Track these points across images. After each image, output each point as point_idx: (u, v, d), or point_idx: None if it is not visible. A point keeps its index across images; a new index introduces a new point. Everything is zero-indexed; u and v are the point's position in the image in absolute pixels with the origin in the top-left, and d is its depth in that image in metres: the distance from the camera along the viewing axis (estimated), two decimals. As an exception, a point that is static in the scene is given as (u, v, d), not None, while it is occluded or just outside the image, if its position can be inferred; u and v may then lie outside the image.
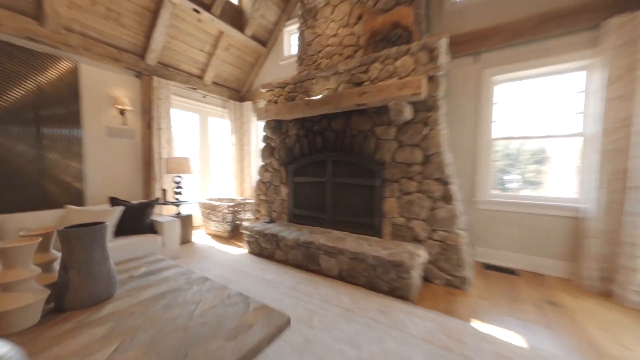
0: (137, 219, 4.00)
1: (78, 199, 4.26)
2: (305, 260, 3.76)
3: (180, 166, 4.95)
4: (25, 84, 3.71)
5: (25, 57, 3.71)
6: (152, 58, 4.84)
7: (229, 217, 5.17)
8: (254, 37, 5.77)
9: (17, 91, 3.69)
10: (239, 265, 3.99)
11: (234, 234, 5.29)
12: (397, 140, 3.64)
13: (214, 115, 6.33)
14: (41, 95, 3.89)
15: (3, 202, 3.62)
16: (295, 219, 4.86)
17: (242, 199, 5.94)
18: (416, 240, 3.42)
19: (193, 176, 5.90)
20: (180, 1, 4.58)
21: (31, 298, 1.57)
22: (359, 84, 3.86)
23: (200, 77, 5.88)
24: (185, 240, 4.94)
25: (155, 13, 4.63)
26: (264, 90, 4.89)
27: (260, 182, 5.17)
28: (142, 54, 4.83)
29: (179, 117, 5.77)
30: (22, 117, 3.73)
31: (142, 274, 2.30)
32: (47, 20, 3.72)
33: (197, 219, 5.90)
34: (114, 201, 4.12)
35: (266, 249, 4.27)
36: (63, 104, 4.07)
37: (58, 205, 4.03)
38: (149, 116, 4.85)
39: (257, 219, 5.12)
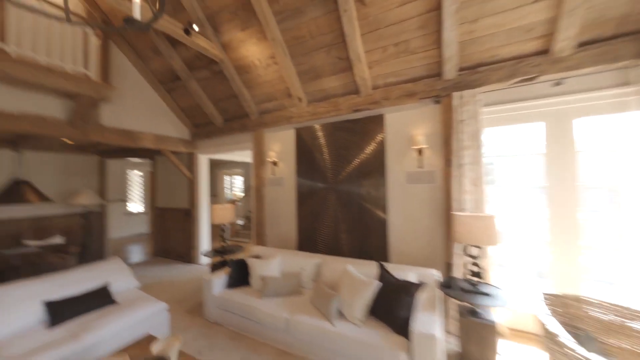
0: (389, 305, 1.92)
1: (382, 249, 2.86)
2: None
3: (474, 231, 1.83)
4: (355, 147, 3.04)
5: (353, 126, 3.05)
6: (449, 69, 2.48)
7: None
8: None
9: (354, 154, 3.06)
10: None
11: None
12: None
13: (588, 111, 2.04)
14: (362, 153, 3.01)
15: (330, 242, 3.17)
16: None
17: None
18: None
19: (525, 243, 2.28)
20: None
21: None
22: None
23: (545, 52, 2.11)
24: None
25: (438, 7, 2.20)
26: None
27: None
28: (437, 71, 2.58)
29: (500, 137, 2.52)
30: (353, 174, 3.06)
31: None
32: (360, 89, 2.90)
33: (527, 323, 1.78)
34: (382, 269, 2.24)
35: None
36: (374, 156, 2.93)
37: (370, 252, 2.93)
38: (447, 149, 2.26)
39: None
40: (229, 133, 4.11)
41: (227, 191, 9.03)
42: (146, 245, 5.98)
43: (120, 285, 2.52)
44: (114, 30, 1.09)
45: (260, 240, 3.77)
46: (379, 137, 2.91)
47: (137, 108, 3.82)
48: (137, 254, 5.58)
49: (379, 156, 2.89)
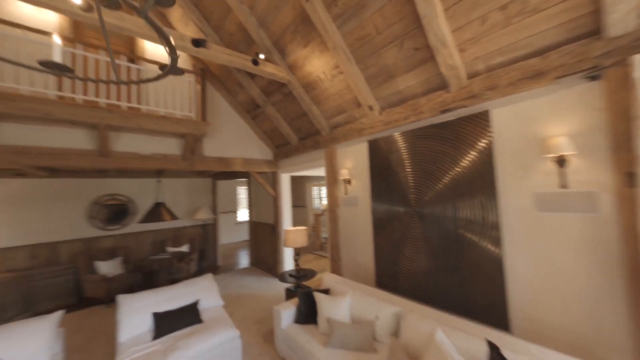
0: None
1: (497, 306, 1.96)
2: None
3: None
4: (445, 159, 2.32)
5: (440, 132, 2.34)
6: (619, 19, 1.41)
7: None
8: None
9: (443, 168, 2.34)
10: None
11: None
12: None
13: None
14: (455, 166, 2.24)
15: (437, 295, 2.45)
16: None
17: None
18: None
19: None
20: None
21: None
22: None
23: None
24: None
25: None
26: None
27: None
28: (591, 28, 1.53)
29: None
30: (444, 195, 2.32)
31: None
32: (449, 82, 2.18)
33: None
34: (495, 352, 1.41)
35: None
36: (476, 171, 2.11)
37: (475, 307, 2.08)
38: (625, 156, 1.42)
39: None
40: (304, 151, 4.09)
41: (316, 201, 9.36)
42: (249, 252, 6.84)
43: (208, 302, 2.77)
44: (157, 79, 1.17)
45: (336, 266, 3.47)
46: (481, 144, 2.07)
47: (230, 137, 4.37)
48: (241, 258, 6.45)
49: (484, 170, 2.04)
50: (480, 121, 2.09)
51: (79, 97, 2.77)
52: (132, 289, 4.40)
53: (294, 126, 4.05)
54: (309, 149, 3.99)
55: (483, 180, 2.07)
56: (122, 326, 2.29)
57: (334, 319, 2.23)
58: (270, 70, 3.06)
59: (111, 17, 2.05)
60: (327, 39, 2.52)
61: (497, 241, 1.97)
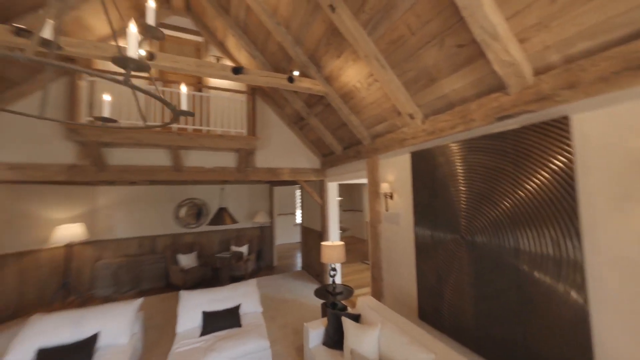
0: None
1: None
2: None
3: None
4: (504, 178, 1.83)
5: (499, 144, 1.84)
6: None
7: None
8: None
9: (501, 189, 1.84)
10: None
11: None
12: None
13: None
14: (517, 187, 1.74)
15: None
16: None
17: None
18: None
19: None
20: None
21: None
22: None
23: None
24: None
25: None
26: None
27: None
28: None
29: None
30: (501, 222, 1.83)
31: None
32: (507, 82, 1.72)
33: None
34: None
35: None
36: (547, 196, 1.58)
37: None
38: None
39: None
40: (347, 161, 4.00)
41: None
42: (301, 255, 7.16)
43: (248, 307, 3.02)
44: (169, 124, 1.34)
45: (377, 286, 3.26)
46: (555, 161, 1.57)
47: (279, 148, 4.66)
48: (296, 259, 6.82)
49: (559, 196, 1.54)
50: (554, 131, 1.58)
51: (158, 124, 3.43)
52: (202, 281, 5.21)
53: (337, 136, 3.99)
54: (351, 158, 3.87)
55: (557, 209, 1.56)
56: (180, 319, 2.72)
57: (358, 351, 2.09)
58: (306, 85, 3.10)
59: (167, 61, 2.45)
60: (358, 48, 2.37)
61: (580, 287, 1.46)
